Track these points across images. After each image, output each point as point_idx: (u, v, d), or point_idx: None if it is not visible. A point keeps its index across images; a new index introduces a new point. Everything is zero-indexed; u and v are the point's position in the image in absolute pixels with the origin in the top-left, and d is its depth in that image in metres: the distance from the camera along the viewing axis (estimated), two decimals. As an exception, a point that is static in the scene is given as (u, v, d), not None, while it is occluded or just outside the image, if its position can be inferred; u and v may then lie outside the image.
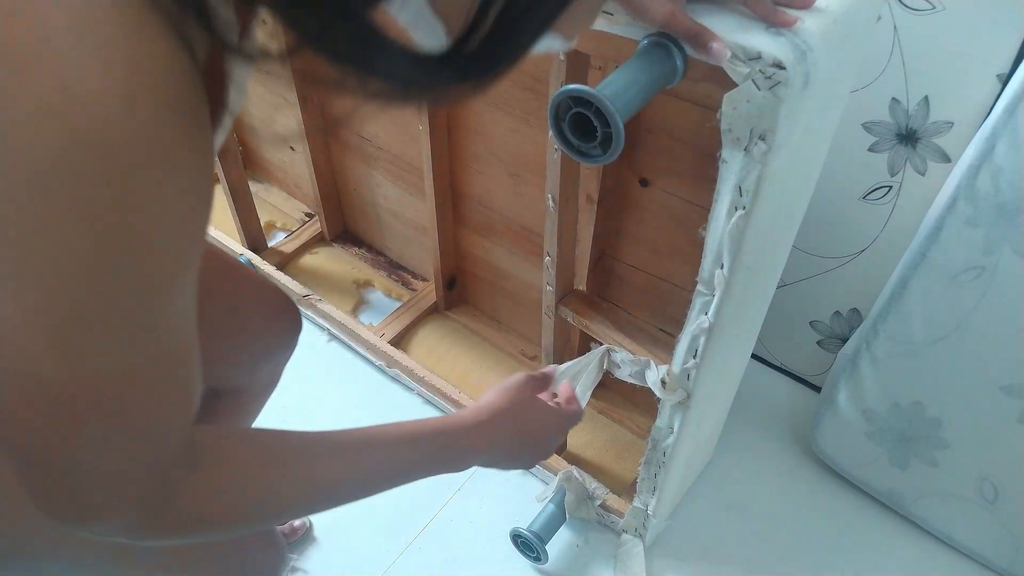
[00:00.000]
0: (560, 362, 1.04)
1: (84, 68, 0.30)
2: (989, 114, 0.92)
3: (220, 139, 0.45)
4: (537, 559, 1.16)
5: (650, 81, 0.62)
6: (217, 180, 1.53)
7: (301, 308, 1.49)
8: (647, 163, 0.96)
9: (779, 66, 0.58)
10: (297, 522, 1.20)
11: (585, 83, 0.79)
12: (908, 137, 1.04)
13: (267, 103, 1.54)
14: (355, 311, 1.53)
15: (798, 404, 1.39)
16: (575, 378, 1.00)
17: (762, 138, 0.62)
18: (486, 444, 0.70)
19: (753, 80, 0.59)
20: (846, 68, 0.75)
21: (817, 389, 1.39)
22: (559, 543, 1.20)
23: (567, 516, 1.17)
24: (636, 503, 1.12)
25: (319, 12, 0.33)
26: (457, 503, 1.26)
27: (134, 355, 0.38)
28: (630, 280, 1.11)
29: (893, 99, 1.02)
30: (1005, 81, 0.92)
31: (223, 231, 1.60)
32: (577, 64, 0.78)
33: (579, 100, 0.61)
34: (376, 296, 1.57)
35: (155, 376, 0.40)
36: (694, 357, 0.85)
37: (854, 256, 1.20)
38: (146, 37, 0.31)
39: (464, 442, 0.69)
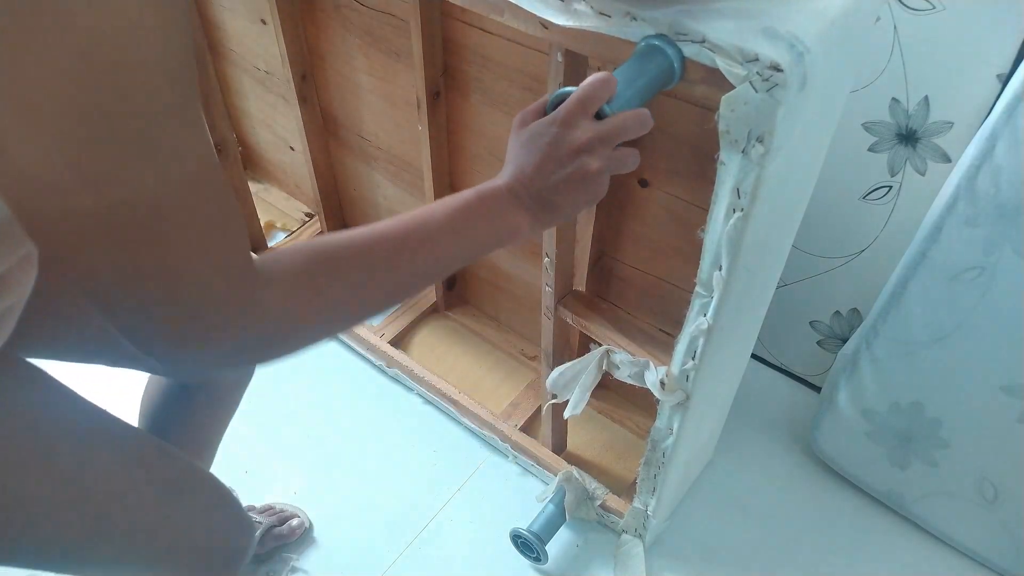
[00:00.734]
0: (560, 362, 1.04)
1: None
2: (989, 114, 0.92)
3: None
4: (537, 559, 1.16)
5: (648, 83, 0.62)
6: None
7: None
8: (646, 163, 0.96)
9: (776, 68, 0.58)
10: (295, 522, 1.20)
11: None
12: (908, 137, 1.04)
13: (266, 103, 1.54)
14: (355, 311, 1.53)
15: (798, 404, 1.38)
16: (575, 379, 1.00)
17: (760, 140, 0.62)
18: (528, 221, 0.62)
19: (750, 82, 0.59)
20: (845, 69, 0.75)
21: (817, 389, 1.39)
22: (559, 543, 1.20)
23: (567, 516, 1.17)
24: (636, 503, 1.12)
25: None
26: (457, 503, 1.26)
27: (160, 177, 0.38)
28: (629, 281, 1.11)
29: (893, 99, 1.02)
30: (1005, 81, 0.92)
31: (223, 231, 1.60)
32: (575, 65, 0.78)
33: (576, 102, 0.60)
34: (376, 296, 1.57)
35: (192, 196, 0.40)
36: (693, 358, 0.85)
37: (854, 256, 1.20)
38: None
39: (508, 227, 0.61)
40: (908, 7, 0.94)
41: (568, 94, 0.60)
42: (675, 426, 0.95)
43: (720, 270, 0.74)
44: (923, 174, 1.06)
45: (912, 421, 1.13)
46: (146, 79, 0.36)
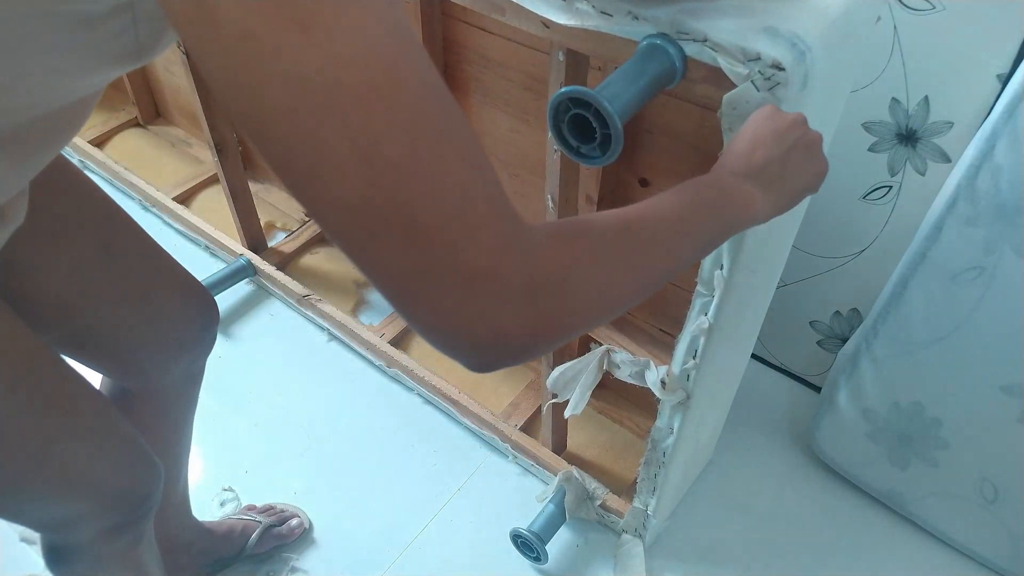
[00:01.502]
0: (560, 362, 1.04)
1: None
2: (989, 114, 0.92)
3: None
4: (537, 559, 1.16)
5: (649, 82, 0.62)
6: (217, 180, 1.53)
7: (302, 308, 1.49)
8: (647, 163, 0.96)
9: (778, 67, 0.58)
10: (295, 522, 1.20)
11: (584, 84, 0.79)
12: (908, 137, 1.04)
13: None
14: (355, 311, 1.53)
15: (798, 404, 1.39)
16: (575, 378, 1.00)
17: (761, 139, 0.62)
18: (759, 195, 0.57)
19: (752, 81, 0.59)
20: (845, 68, 0.75)
21: (817, 389, 1.39)
22: (559, 543, 1.20)
23: (567, 516, 1.17)
24: (636, 503, 1.12)
25: None
26: (457, 503, 1.26)
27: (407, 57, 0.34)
28: (630, 280, 1.11)
29: (893, 99, 1.02)
30: (1005, 81, 0.92)
31: (223, 231, 1.60)
32: (576, 65, 0.78)
33: (578, 101, 0.60)
34: (376, 296, 1.57)
35: (444, 100, 0.36)
36: (694, 358, 0.85)
37: (854, 256, 1.20)
38: None
39: (741, 200, 0.56)
40: (908, 7, 0.94)
41: (570, 93, 0.60)
42: (676, 426, 0.95)
43: (721, 269, 0.74)
44: (923, 174, 1.06)
45: (912, 421, 1.13)
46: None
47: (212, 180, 1.75)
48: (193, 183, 1.74)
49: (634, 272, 0.46)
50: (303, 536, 1.21)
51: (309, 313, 1.48)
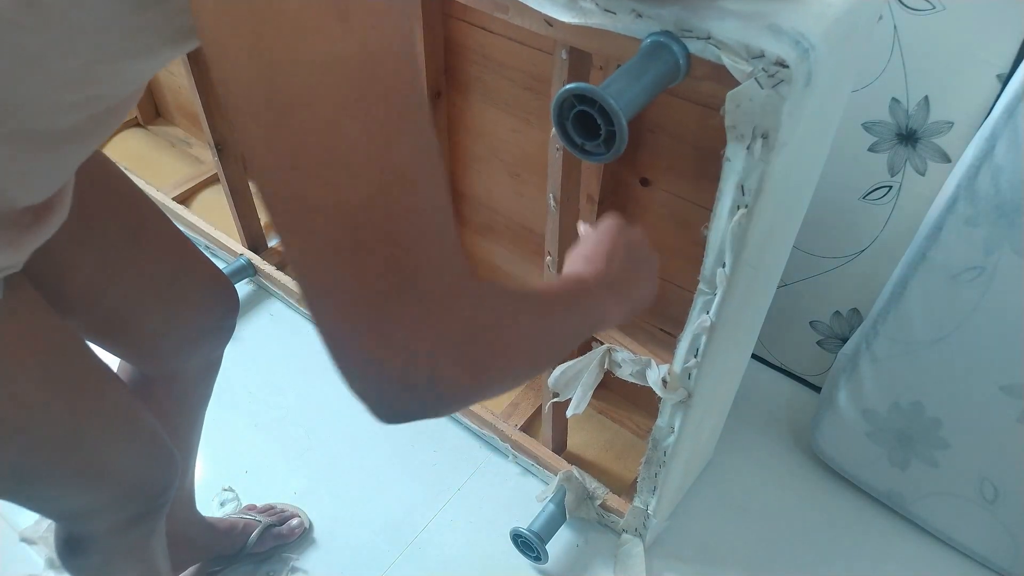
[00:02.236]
0: (561, 361, 1.04)
1: None
2: (989, 114, 0.93)
3: None
4: (537, 559, 1.16)
5: (653, 80, 0.62)
6: (217, 180, 1.53)
7: (302, 308, 1.49)
8: (648, 163, 0.97)
9: (782, 64, 0.58)
10: (295, 522, 1.20)
11: (588, 82, 0.79)
12: (908, 137, 1.04)
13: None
14: (355, 311, 1.53)
15: (798, 404, 1.39)
16: (576, 377, 1.00)
17: (765, 136, 0.62)
18: (616, 313, 0.62)
19: (756, 78, 0.59)
20: (847, 67, 0.75)
21: (817, 389, 1.39)
22: (559, 543, 1.20)
23: (567, 516, 1.17)
24: (636, 503, 1.12)
25: None
26: (457, 503, 1.26)
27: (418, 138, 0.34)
28: (631, 280, 1.11)
29: (893, 99, 1.02)
30: (1005, 81, 0.92)
31: (223, 231, 1.60)
32: (580, 63, 0.78)
33: (583, 98, 0.61)
34: (376, 296, 1.57)
35: (436, 164, 0.36)
36: (695, 356, 0.85)
37: (854, 256, 1.20)
38: None
39: (599, 317, 0.60)
40: (908, 7, 0.94)
41: (575, 90, 0.61)
42: (677, 425, 0.95)
43: (724, 267, 0.74)
44: (923, 174, 1.06)
45: (912, 421, 1.13)
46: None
47: (212, 180, 1.74)
48: (193, 183, 1.74)
49: (551, 339, 0.49)
50: (303, 536, 1.21)
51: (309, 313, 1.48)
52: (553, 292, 0.55)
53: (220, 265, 1.57)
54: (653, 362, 0.93)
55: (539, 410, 1.32)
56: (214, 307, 0.86)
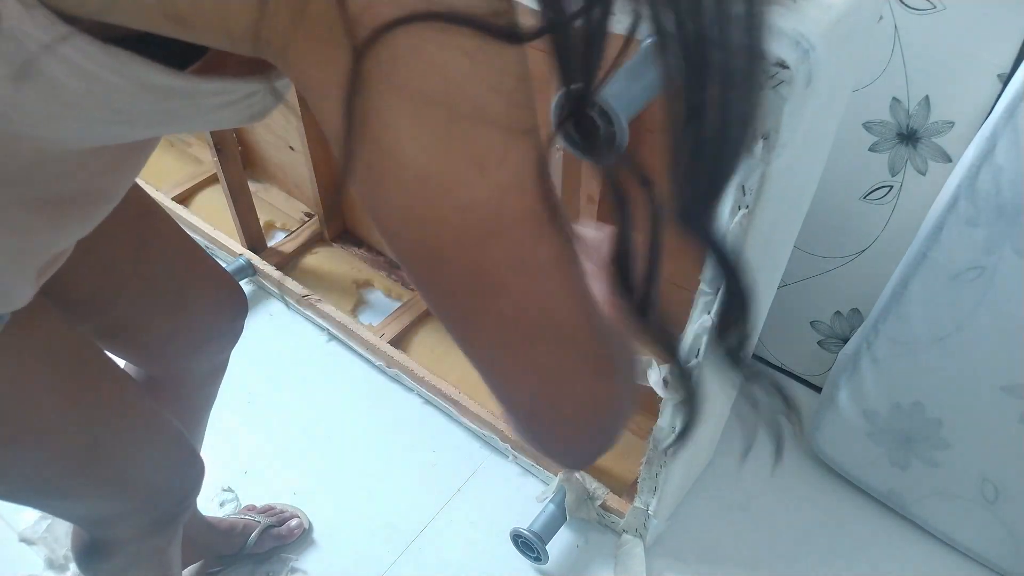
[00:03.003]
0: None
1: None
2: (990, 114, 0.92)
3: None
4: (537, 559, 1.16)
5: (653, 80, 0.62)
6: (216, 180, 1.53)
7: (301, 308, 1.49)
8: (648, 163, 0.96)
9: (782, 65, 0.58)
10: (294, 522, 1.20)
11: (587, 82, 0.79)
12: (909, 137, 1.04)
13: (267, 103, 1.54)
14: (355, 311, 1.53)
15: (798, 404, 1.38)
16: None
17: (765, 137, 0.62)
18: None
19: (756, 79, 0.59)
20: (847, 67, 0.75)
21: (818, 389, 1.39)
22: (559, 543, 1.19)
23: (567, 516, 1.17)
24: (637, 503, 1.12)
25: None
26: (457, 503, 1.25)
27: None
28: (631, 280, 1.11)
29: (894, 99, 1.02)
30: (1006, 81, 0.92)
31: (223, 231, 1.60)
32: (579, 63, 0.78)
33: (582, 99, 0.60)
34: (376, 296, 1.57)
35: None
36: (696, 356, 0.85)
37: (855, 256, 1.20)
38: None
39: None
40: (909, 7, 0.94)
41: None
42: (677, 425, 0.95)
43: (724, 268, 0.74)
44: (924, 174, 1.06)
45: (913, 421, 1.13)
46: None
47: (211, 180, 1.74)
48: (192, 183, 1.73)
49: None
50: (303, 536, 1.20)
51: (309, 313, 1.48)
52: None
53: (220, 265, 1.57)
54: (654, 362, 0.93)
55: (539, 410, 1.32)
56: (223, 310, 0.86)
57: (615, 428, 0.44)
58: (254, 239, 1.59)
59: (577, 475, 1.18)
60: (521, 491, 1.27)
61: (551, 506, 1.17)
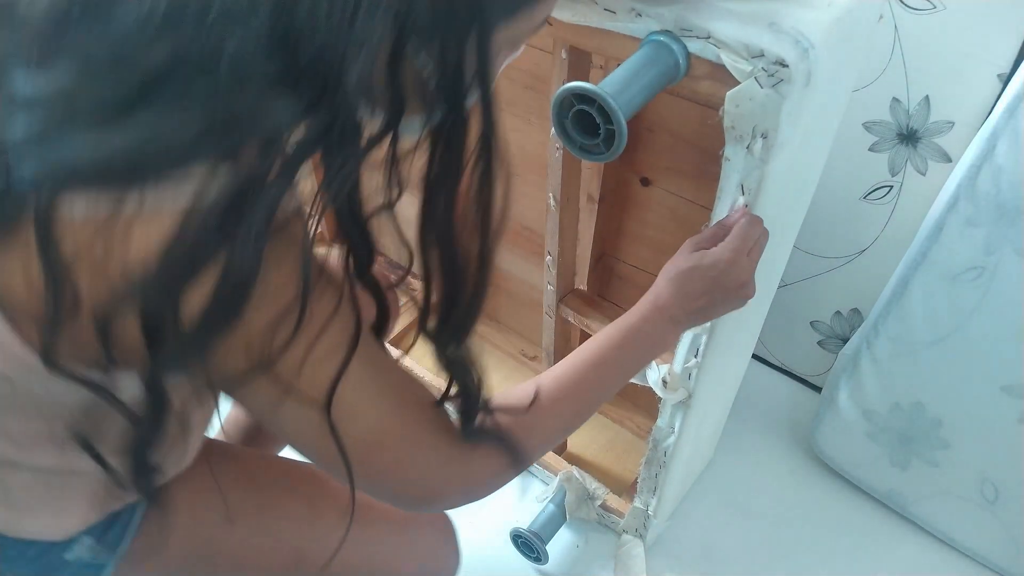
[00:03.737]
0: (561, 361, 1.04)
1: None
2: (990, 114, 0.92)
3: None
4: (537, 559, 1.15)
5: (652, 79, 0.62)
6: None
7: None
8: (648, 162, 0.96)
9: (782, 64, 0.58)
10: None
11: (587, 81, 0.79)
12: (909, 137, 1.04)
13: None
14: (355, 311, 1.53)
15: (798, 404, 1.38)
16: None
17: (764, 136, 0.62)
18: (675, 318, 0.69)
19: (756, 78, 0.59)
20: (847, 67, 0.75)
21: (818, 389, 1.39)
22: (559, 543, 1.19)
23: (567, 516, 1.17)
24: (636, 503, 1.12)
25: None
26: (457, 503, 1.25)
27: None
28: (631, 280, 1.11)
29: (894, 99, 1.02)
30: (1006, 81, 0.92)
31: (223, 231, 1.59)
32: (579, 62, 0.78)
33: (582, 97, 0.61)
34: (376, 296, 1.57)
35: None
36: (695, 356, 0.85)
37: (855, 256, 1.20)
38: None
39: (649, 331, 0.69)
40: (909, 7, 0.94)
41: (574, 89, 0.60)
42: (677, 425, 0.95)
43: (723, 267, 0.74)
44: (924, 174, 1.06)
45: (913, 421, 1.13)
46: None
47: (212, 180, 1.74)
48: (193, 183, 1.73)
49: (571, 422, 0.67)
50: (303, 536, 1.20)
51: (309, 313, 1.48)
52: (604, 365, 0.67)
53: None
54: (653, 362, 0.93)
55: (539, 410, 1.31)
56: None
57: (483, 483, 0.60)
58: (254, 239, 1.59)
59: (577, 475, 1.18)
60: (521, 491, 1.27)
61: (551, 506, 1.17)
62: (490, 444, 0.59)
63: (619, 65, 0.63)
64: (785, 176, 0.71)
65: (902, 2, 0.94)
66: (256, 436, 0.98)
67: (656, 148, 0.94)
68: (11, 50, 0.41)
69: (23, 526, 0.59)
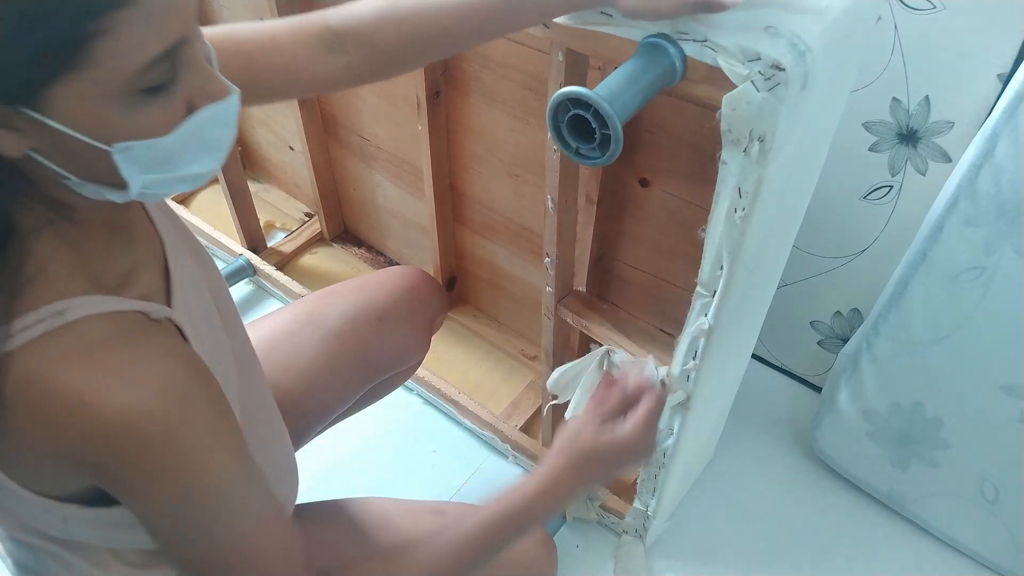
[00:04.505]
0: (560, 363, 1.04)
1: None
2: (990, 114, 0.92)
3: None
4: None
5: (649, 82, 0.62)
6: (216, 180, 1.53)
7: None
8: (647, 163, 0.96)
9: (778, 67, 0.58)
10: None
11: (584, 84, 0.79)
12: (909, 137, 1.04)
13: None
14: (355, 311, 1.53)
15: (798, 404, 1.38)
16: (575, 380, 1.00)
17: (761, 139, 0.62)
18: (559, 499, 0.75)
19: (752, 81, 0.59)
20: (846, 68, 0.75)
21: (817, 389, 1.39)
22: (559, 543, 1.19)
23: (567, 516, 1.17)
24: (636, 504, 1.12)
25: None
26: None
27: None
28: (630, 281, 1.11)
29: (894, 99, 1.02)
30: (1006, 81, 0.92)
31: (223, 231, 1.60)
32: (576, 65, 0.78)
33: (577, 102, 0.60)
34: (376, 296, 1.57)
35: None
36: (694, 358, 0.85)
37: (855, 256, 1.20)
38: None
39: (539, 510, 0.74)
40: (909, 7, 0.94)
41: (569, 94, 0.60)
42: (676, 426, 0.95)
43: (721, 270, 0.74)
44: (924, 174, 1.05)
45: (913, 421, 1.13)
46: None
47: (211, 180, 1.74)
48: (193, 183, 1.73)
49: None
50: (303, 537, 1.21)
51: (309, 313, 1.48)
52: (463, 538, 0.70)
53: (220, 266, 1.57)
54: (652, 363, 0.93)
55: (539, 410, 1.32)
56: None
57: None
58: (254, 239, 1.59)
59: (576, 475, 1.18)
60: (521, 491, 1.27)
61: (551, 506, 1.17)
62: None
63: (616, 68, 0.63)
64: (783, 178, 0.71)
65: (902, 2, 0.94)
66: None
67: (655, 149, 0.94)
68: None
69: None
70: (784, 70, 0.58)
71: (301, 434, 0.95)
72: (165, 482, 0.50)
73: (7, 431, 0.47)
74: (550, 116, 0.63)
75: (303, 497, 1.25)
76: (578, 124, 0.62)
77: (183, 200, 1.71)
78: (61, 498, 0.53)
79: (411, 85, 1.14)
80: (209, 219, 1.62)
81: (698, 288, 0.78)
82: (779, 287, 1.20)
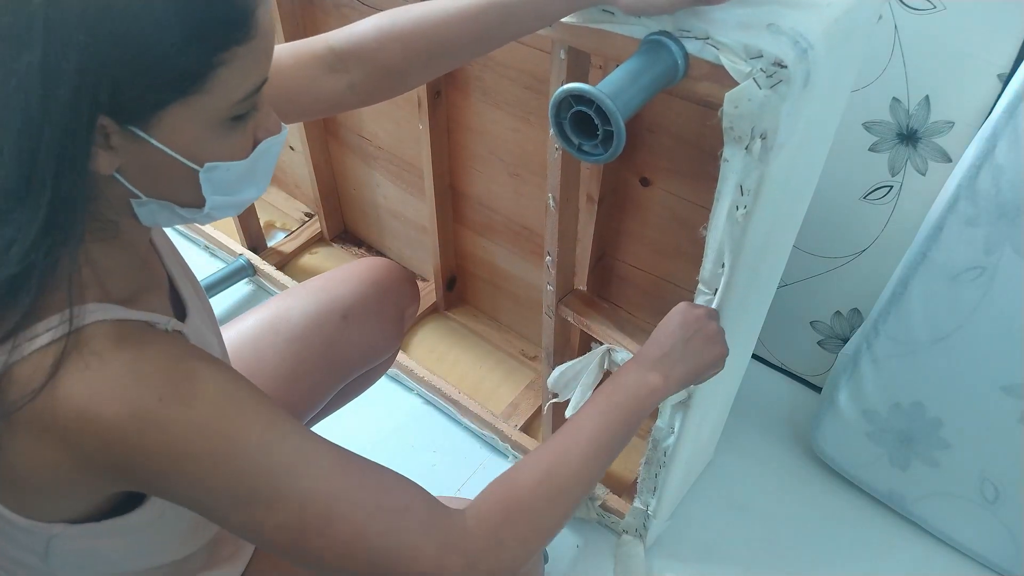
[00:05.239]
0: (561, 362, 1.04)
1: None
2: (990, 114, 0.92)
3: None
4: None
5: (651, 80, 0.62)
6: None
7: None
8: (648, 162, 0.96)
9: (780, 65, 0.58)
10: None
11: (586, 82, 0.79)
12: (909, 137, 1.04)
13: (267, 103, 1.54)
14: (355, 311, 1.53)
15: (798, 404, 1.38)
16: (575, 378, 1.00)
17: (763, 137, 0.62)
18: (660, 378, 0.70)
19: (754, 79, 0.59)
20: (847, 67, 0.75)
21: (818, 389, 1.39)
22: (559, 543, 1.19)
23: (567, 516, 1.17)
24: (636, 503, 1.12)
25: None
26: (457, 503, 1.25)
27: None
28: (631, 280, 1.11)
29: (894, 99, 1.02)
30: (1006, 81, 0.92)
31: (223, 231, 1.60)
32: (578, 63, 0.78)
33: (580, 98, 0.60)
34: (376, 296, 1.57)
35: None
36: (695, 357, 0.85)
37: (855, 256, 1.20)
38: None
39: (643, 389, 0.69)
40: (909, 7, 0.94)
41: (572, 90, 0.60)
42: (677, 425, 0.95)
43: (723, 268, 0.74)
44: (924, 174, 1.06)
45: (913, 421, 1.13)
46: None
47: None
48: (193, 183, 1.73)
49: (560, 509, 0.62)
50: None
51: (309, 313, 1.48)
52: (581, 440, 0.64)
53: (219, 265, 1.57)
54: (652, 362, 0.93)
55: (539, 410, 1.32)
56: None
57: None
58: (254, 239, 1.59)
59: (577, 475, 1.18)
60: (521, 491, 1.27)
61: (551, 506, 1.17)
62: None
63: (618, 66, 0.63)
64: (784, 176, 0.71)
65: (902, 2, 0.94)
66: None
67: (656, 148, 0.94)
68: None
69: None
70: (786, 67, 0.58)
71: None
72: (202, 460, 0.49)
73: (4, 447, 0.47)
74: (552, 112, 0.63)
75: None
76: (581, 121, 0.62)
77: (183, 200, 1.71)
78: (50, 519, 0.52)
79: (412, 84, 1.14)
80: (209, 219, 1.62)
81: (699, 286, 0.78)
82: (779, 287, 1.20)
